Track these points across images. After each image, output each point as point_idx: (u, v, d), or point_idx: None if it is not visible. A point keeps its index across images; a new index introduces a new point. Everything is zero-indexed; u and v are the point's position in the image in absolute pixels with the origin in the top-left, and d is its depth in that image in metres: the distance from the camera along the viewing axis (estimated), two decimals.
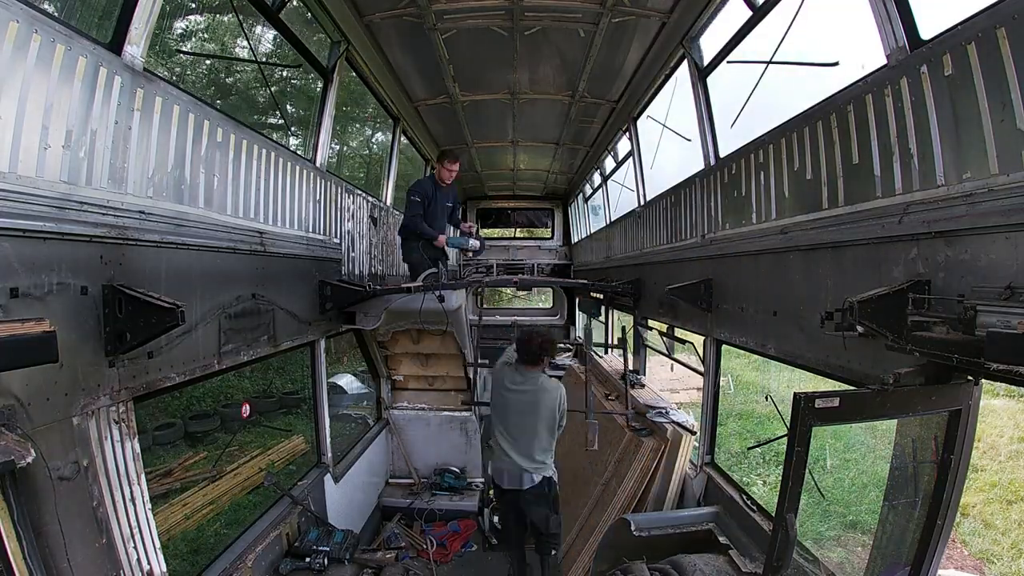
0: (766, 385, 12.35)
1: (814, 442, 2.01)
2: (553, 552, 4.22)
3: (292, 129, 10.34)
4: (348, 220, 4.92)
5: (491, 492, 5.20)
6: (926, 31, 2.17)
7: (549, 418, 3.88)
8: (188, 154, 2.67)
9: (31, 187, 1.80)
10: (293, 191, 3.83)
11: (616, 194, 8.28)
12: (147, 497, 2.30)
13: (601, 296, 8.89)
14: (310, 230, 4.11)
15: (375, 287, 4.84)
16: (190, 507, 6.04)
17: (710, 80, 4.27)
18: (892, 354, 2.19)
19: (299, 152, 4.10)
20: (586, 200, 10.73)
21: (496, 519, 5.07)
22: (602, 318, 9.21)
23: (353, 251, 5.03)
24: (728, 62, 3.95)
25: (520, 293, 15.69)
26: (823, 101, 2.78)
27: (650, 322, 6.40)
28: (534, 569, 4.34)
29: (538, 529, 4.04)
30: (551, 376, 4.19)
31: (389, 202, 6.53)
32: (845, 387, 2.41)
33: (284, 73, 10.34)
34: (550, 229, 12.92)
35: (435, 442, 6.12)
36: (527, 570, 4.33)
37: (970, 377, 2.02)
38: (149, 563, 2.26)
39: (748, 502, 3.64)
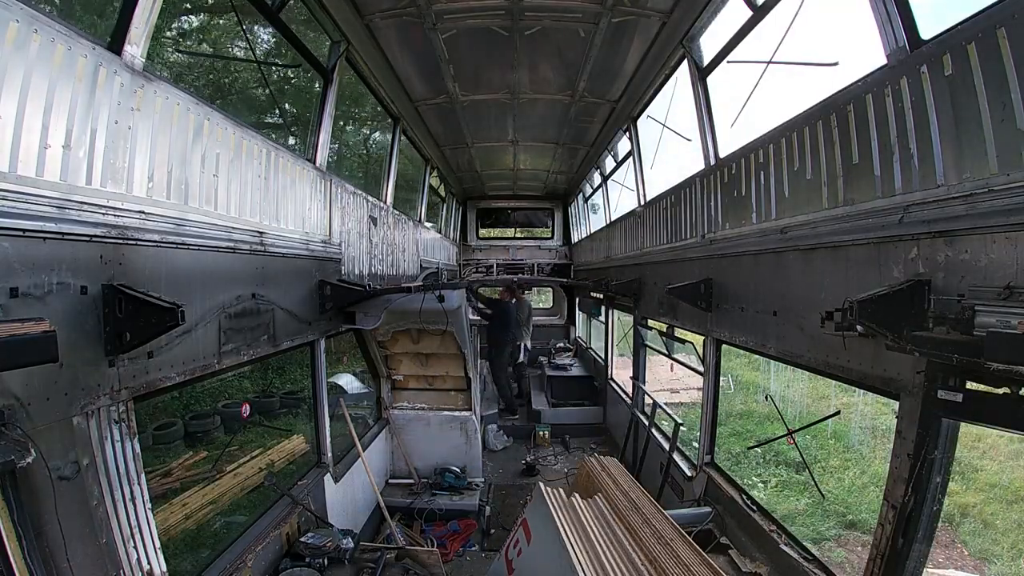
0: (765, 385, 12.36)
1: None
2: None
3: (292, 129, 10.34)
4: (348, 220, 4.92)
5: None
6: (926, 31, 2.17)
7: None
8: (188, 154, 2.67)
9: (31, 187, 1.80)
10: (293, 191, 3.83)
11: (616, 194, 8.29)
12: (147, 497, 2.30)
13: (601, 296, 8.90)
14: (310, 230, 4.11)
15: (375, 287, 4.83)
16: (190, 507, 6.04)
17: (710, 80, 4.27)
18: (892, 354, 2.19)
19: (299, 152, 4.10)
20: (586, 200, 10.74)
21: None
22: (602, 318, 9.21)
23: (353, 251, 5.03)
24: (728, 62, 3.95)
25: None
26: (823, 101, 2.78)
27: (650, 322, 6.40)
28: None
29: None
30: None
31: (389, 202, 6.53)
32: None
33: (284, 73, 10.34)
34: (550, 229, 12.92)
35: (435, 442, 6.12)
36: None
37: None
38: (149, 563, 2.26)
39: (748, 502, 3.64)
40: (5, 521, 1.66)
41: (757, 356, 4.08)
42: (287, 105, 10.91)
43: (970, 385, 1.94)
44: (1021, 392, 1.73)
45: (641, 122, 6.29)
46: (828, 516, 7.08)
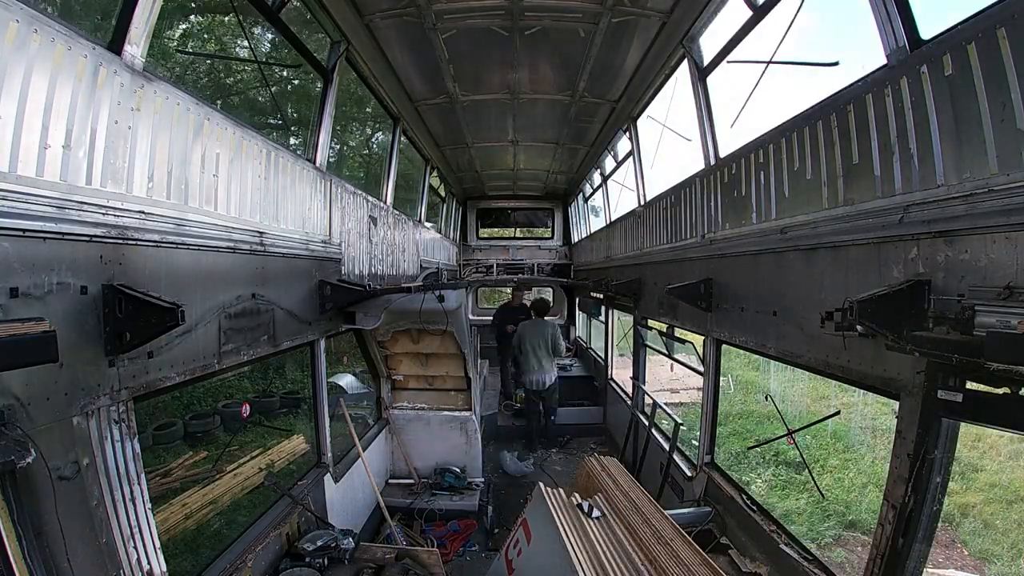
0: (765, 385, 12.37)
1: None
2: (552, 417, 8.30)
3: (292, 129, 10.34)
4: (348, 220, 4.92)
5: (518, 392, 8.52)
6: (926, 31, 2.17)
7: (550, 342, 7.92)
8: (188, 154, 2.67)
9: (31, 187, 1.80)
10: (293, 191, 3.83)
11: (616, 194, 8.30)
12: (147, 497, 2.30)
13: (601, 296, 8.90)
14: (310, 230, 4.11)
15: (375, 287, 4.84)
16: (190, 507, 6.04)
17: (710, 80, 4.27)
18: (892, 354, 2.19)
19: (299, 152, 4.10)
20: (586, 200, 10.75)
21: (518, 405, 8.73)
22: (602, 318, 9.21)
23: (353, 251, 5.03)
24: (728, 62, 3.95)
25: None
26: (823, 101, 2.78)
27: (650, 322, 6.40)
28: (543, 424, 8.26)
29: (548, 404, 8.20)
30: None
31: (389, 202, 6.53)
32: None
33: (284, 73, 10.35)
34: (550, 229, 12.93)
35: (435, 442, 6.12)
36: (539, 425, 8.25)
37: None
38: (149, 563, 2.26)
39: (748, 502, 3.64)
40: (5, 521, 1.66)
41: (757, 356, 4.08)
42: (288, 106, 10.91)
43: (970, 385, 1.94)
44: (1021, 392, 1.73)
45: (641, 122, 6.29)
46: (828, 516, 7.08)
